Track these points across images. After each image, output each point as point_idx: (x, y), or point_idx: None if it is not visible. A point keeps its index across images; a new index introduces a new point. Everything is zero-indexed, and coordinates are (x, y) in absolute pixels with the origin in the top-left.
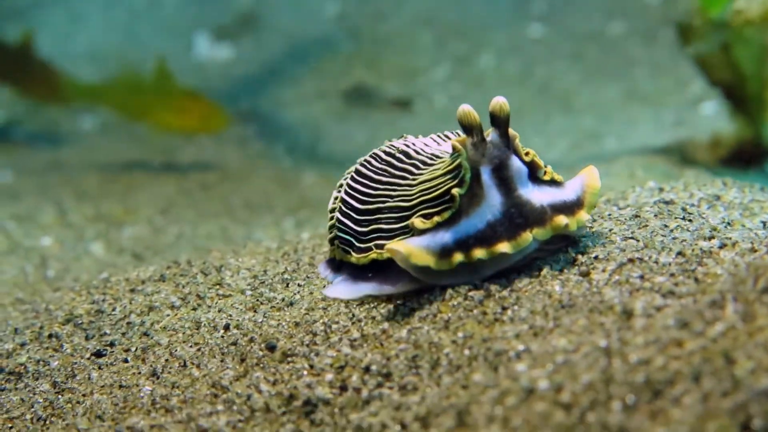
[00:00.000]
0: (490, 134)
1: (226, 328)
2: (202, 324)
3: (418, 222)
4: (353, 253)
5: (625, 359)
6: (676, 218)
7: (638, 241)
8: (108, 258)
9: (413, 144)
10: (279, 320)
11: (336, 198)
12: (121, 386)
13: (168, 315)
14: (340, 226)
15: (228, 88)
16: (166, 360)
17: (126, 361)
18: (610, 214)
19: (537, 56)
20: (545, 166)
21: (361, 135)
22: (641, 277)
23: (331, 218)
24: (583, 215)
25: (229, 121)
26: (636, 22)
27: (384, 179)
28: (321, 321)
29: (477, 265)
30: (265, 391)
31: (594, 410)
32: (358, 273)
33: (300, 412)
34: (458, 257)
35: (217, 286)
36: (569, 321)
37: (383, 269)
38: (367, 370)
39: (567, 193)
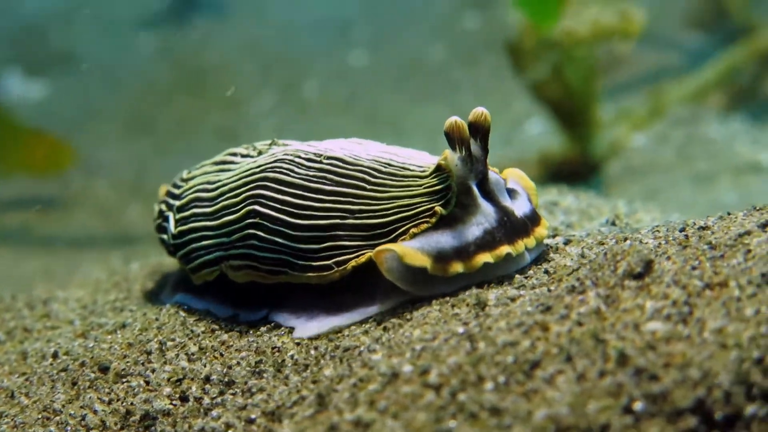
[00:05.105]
0: (471, 146)
1: (55, 355)
2: (29, 354)
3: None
4: (296, 272)
5: (492, 342)
6: None
7: None
8: None
9: (330, 149)
10: (111, 343)
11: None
12: None
13: None
14: (264, 245)
15: (42, 125)
16: None
17: None
18: None
19: (362, 83)
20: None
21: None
22: None
23: (229, 236)
24: (545, 221)
25: (75, 157)
26: (457, 47)
27: (327, 188)
28: (156, 339)
29: (472, 273)
30: (99, 410)
31: (465, 390)
32: (312, 295)
33: (139, 426)
34: (457, 267)
35: (45, 319)
36: (421, 315)
37: (342, 289)
38: (207, 380)
39: (526, 200)
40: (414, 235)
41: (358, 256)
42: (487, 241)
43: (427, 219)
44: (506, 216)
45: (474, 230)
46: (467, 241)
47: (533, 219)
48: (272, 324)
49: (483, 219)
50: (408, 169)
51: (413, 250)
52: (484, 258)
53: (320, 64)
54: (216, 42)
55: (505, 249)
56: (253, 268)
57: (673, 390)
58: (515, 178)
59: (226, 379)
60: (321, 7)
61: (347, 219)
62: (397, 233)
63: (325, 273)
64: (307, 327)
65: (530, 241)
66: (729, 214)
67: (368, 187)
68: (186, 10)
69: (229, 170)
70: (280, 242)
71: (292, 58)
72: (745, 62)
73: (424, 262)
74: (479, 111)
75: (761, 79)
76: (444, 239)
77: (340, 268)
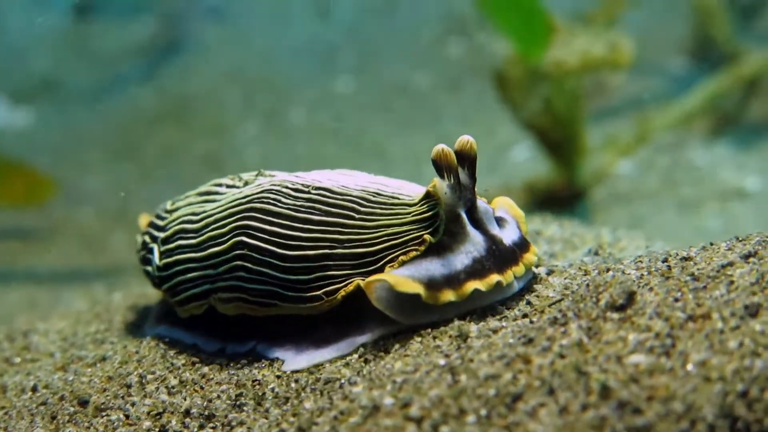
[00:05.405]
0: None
1: (34, 389)
2: (9, 388)
3: (387, 270)
4: (286, 304)
5: (473, 374)
6: None
7: None
8: None
9: (317, 180)
10: (91, 376)
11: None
12: None
13: None
14: (252, 276)
15: (27, 153)
16: None
17: None
18: None
19: (347, 109)
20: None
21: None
22: None
23: (216, 268)
24: (534, 248)
25: (56, 189)
26: (441, 73)
27: (316, 218)
28: (136, 373)
29: (462, 301)
30: None
31: (447, 423)
32: (304, 327)
33: None
34: (448, 295)
35: (25, 351)
36: (402, 347)
37: (331, 319)
38: (187, 413)
39: (515, 228)
40: (403, 263)
41: (346, 285)
42: (477, 270)
43: (417, 247)
44: (495, 244)
45: (463, 258)
46: (457, 269)
47: (522, 246)
48: (253, 357)
49: (472, 247)
50: (397, 198)
51: (404, 278)
52: (475, 285)
53: (306, 91)
54: (201, 69)
55: (495, 277)
56: (242, 300)
57: (657, 423)
58: (504, 206)
59: (206, 413)
60: (306, 34)
61: (336, 249)
62: (385, 261)
63: (315, 304)
64: (297, 360)
65: (519, 269)
66: (712, 244)
67: (357, 216)
68: (169, 53)
69: (214, 201)
70: (269, 273)
71: (277, 84)
72: (730, 88)
73: (417, 288)
74: (465, 139)
75: (746, 105)
76: (434, 267)
77: (330, 298)
